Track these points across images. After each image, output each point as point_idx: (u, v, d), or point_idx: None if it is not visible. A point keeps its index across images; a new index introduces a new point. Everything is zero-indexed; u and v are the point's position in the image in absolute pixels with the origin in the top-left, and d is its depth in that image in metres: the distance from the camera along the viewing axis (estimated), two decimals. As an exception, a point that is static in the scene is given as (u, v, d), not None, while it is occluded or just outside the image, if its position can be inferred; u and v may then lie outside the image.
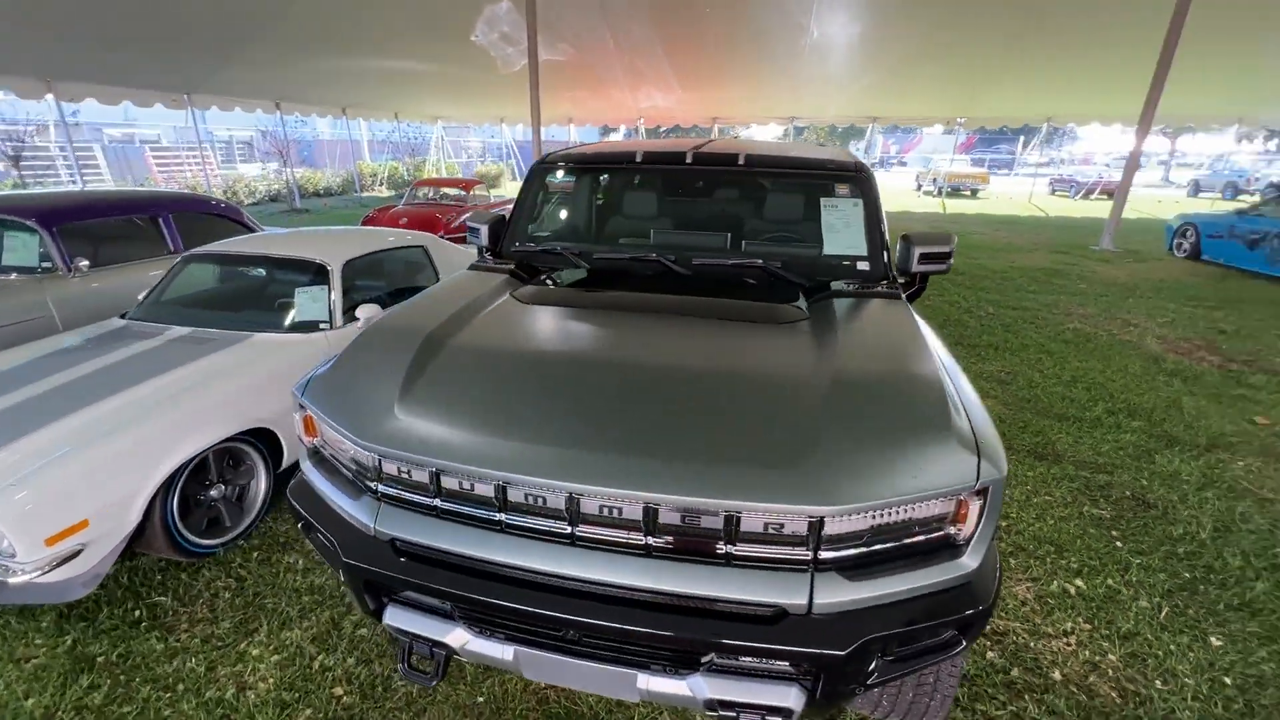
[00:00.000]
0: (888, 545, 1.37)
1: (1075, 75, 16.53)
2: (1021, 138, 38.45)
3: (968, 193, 25.09)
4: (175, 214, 5.14)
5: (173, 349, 3.11)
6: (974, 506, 1.37)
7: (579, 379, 1.66)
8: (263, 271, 4.03)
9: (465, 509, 1.50)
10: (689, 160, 2.62)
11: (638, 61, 18.74)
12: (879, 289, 2.27)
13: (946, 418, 1.45)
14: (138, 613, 2.47)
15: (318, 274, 3.66)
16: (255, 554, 2.83)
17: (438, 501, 1.51)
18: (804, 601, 1.32)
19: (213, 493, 2.85)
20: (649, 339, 1.88)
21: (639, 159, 2.67)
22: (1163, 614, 2.51)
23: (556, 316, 2.08)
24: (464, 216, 10.04)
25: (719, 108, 22.03)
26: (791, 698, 1.39)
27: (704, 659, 1.41)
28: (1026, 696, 2.12)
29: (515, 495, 1.43)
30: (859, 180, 2.52)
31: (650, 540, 1.38)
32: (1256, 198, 20.28)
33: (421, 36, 15.72)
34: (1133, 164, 11.62)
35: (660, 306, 2.11)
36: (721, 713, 1.44)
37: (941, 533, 1.41)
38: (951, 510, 1.39)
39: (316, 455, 1.79)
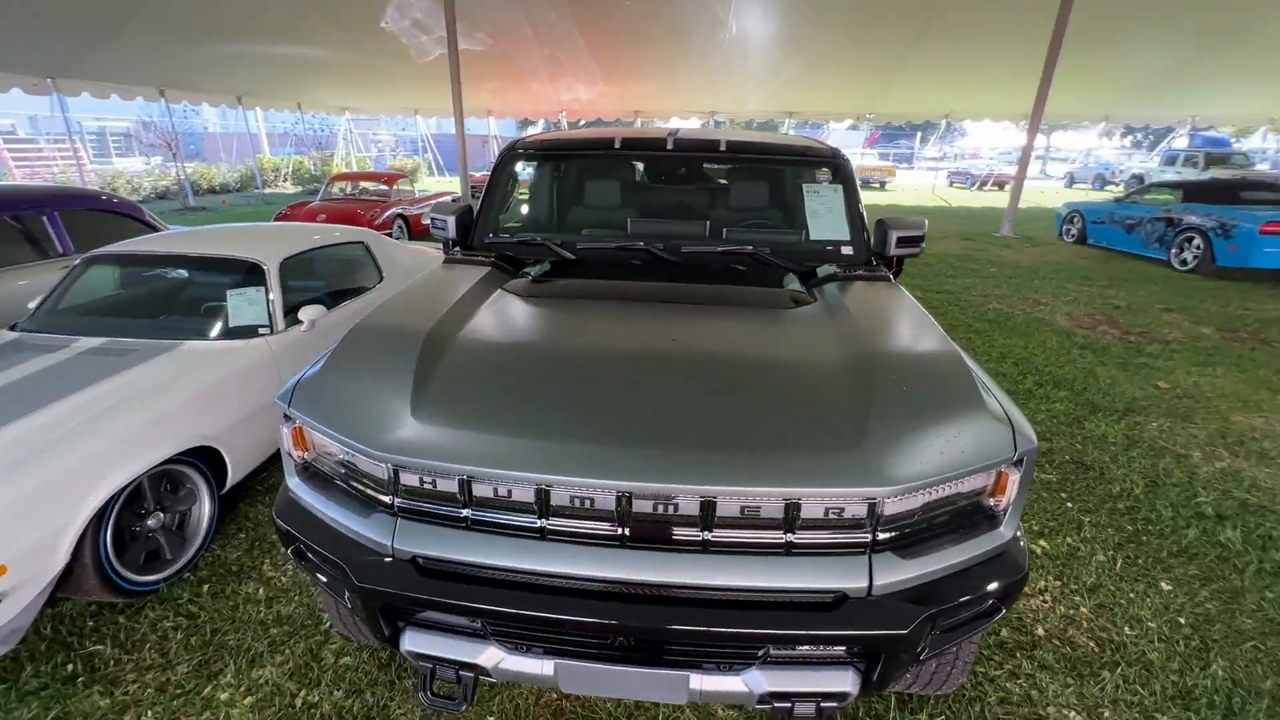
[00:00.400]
0: (936, 521, 1.39)
1: (970, 75, 17.78)
2: (919, 133, 41.08)
3: (876, 185, 26.48)
4: (63, 212, 4.53)
5: (85, 363, 2.72)
6: (1013, 477, 1.41)
7: (608, 373, 1.58)
8: (184, 273, 3.62)
9: (501, 517, 1.38)
10: (670, 147, 2.57)
11: (559, 53, 18.44)
12: (869, 272, 2.31)
13: (978, 393, 1.48)
14: (71, 666, 2.15)
15: (250, 274, 3.34)
16: (205, 586, 2.54)
17: (468, 512, 1.39)
18: (864, 584, 1.31)
19: (150, 522, 2.53)
20: (665, 328, 1.82)
21: (618, 145, 2.60)
22: (1118, 566, 2.72)
23: (560, 309, 1.97)
24: (389, 211, 9.51)
25: (640, 101, 22.07)
26: (848, 681, 1.38)
27: (760, 652, 1.38)
28: (1018, 654, 2.24)
29: (560, 498, 1.34)
30: (838, 166, 2.56)
31: (707, 535, 1.33)
32: (1121, 188, 22.64)
33: (326, 21, 14.75)
34: (1026, 158, 12.65)
35: (664, 295, 2.06)
36: (775, 705, 1.42)
37: (982, 505, 1.44)
38: (991, 482, 1.42)
39: (308, 471, 1.60)
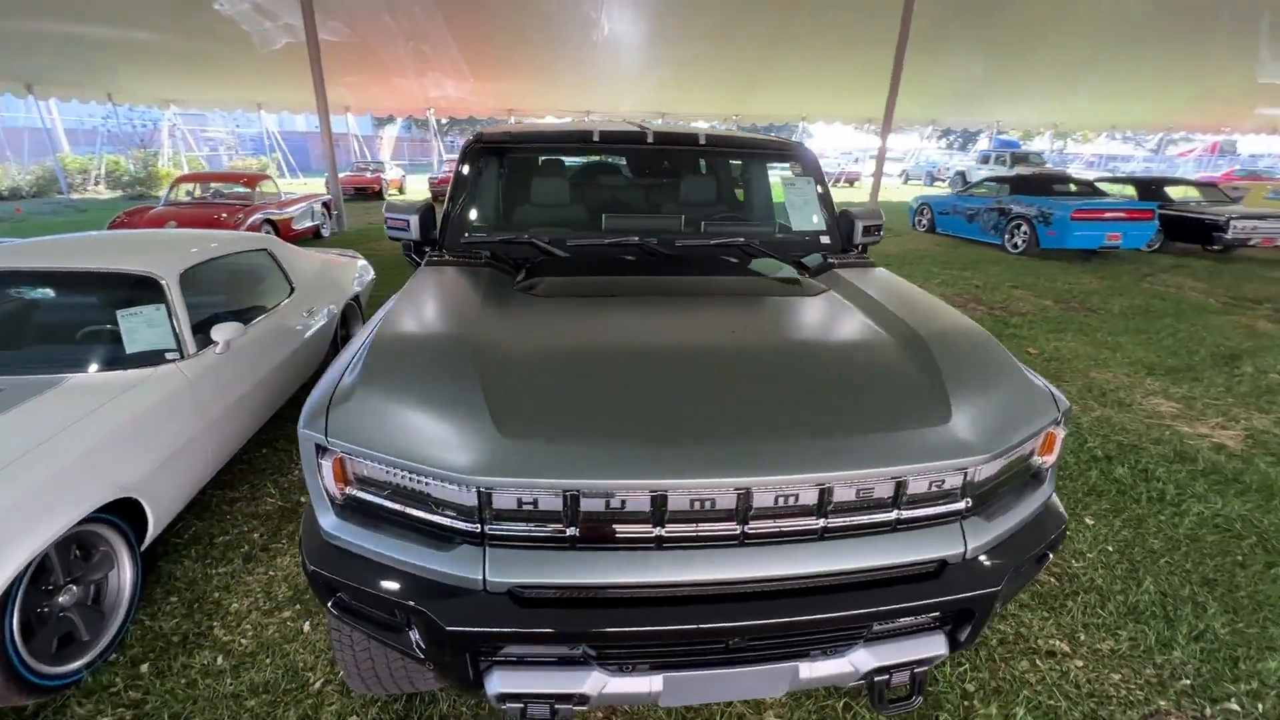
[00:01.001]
0: (1004, 483, 1.50)
1: (823, 80, 19.35)
2: (775, 134, 43.98)
3: (745, 183, 28.01)
4: None
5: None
6: (1059, 435, 1.56)
7: (682, 369, 1.52)
8: (49, 292, 2.98)
9: (611, 530, 1.28)
10: (650, 140, 2.54)
11: (424, 46, 17.49)
12: (856, 259, 2.44)
13: (1017, 362, 1.62)
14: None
15: (141, 289, 2.83)
16: (144, 665, 2.12)
17: (573, 530, 1.27)
18: (961, 550, 1.39)
19: (62, 599, 2.06)
20: (713, 321, 1.79)
21: (597, 138, 2.52)
22: (1050, 509, 3.12)
23: (595, 309, 1.86)
24: (255, 216, 8.48)
25: (514, 99, 21.57)
26: (941, 644, 1.45)
27: (865, 630, 1.41)
28: (1002, 598, 2.49)
29: (678, 502, 1.27)
30: (807, 160, 2.67)
31: (824, 522, 1.33)
32: (947, 184, 25.85)
33: (144, -1, 12.81)
34: (881, 157, 14.03)
35: (685, 289, 2.02)
36: (875, 679, 1.46)
37: (1032, 464, 1.58)
38: (1041, 442, 1.56)
39: (352, 508, 1.37)
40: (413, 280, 2.07)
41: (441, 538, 1.31)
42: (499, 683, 1.33)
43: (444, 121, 23.57)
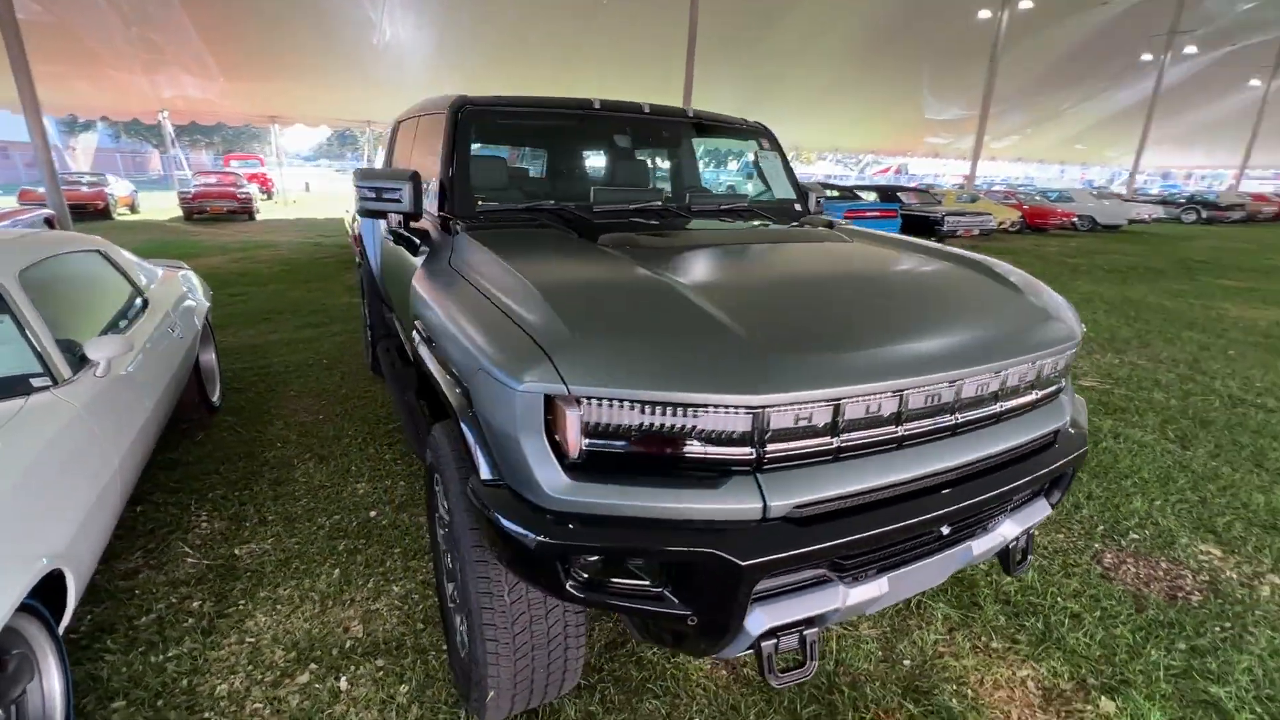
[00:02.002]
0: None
1: (616, 93, 20.44)
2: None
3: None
4: None
5: None
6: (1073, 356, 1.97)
7: (829, 293, 1.59)
8: None
9: (865, 436, 1.31)
10: (646, 111, 2.56)
11: (155, 36, 14.53)
12: (821, 219, 2.72)
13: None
14: None
15: (-43, 299, 2.03)
16: (130, 792, 1.53)
17: (836, 440, 1.27)
18: (1067, 419, 1.70)
19: (-18, 731, 1.40)
20: (793, 259, 1.87)
21: (597, 106, 2.45)
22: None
23: (697, 255, 1.83)
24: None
25: (276, 103, 18.93)
26: (1045, 508, 1.75)
27: (1011, 503, 1.64)
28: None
29: (916, 400, 1.34)
30: (772, 137, 2.92)
31: (999, 406, 1.52)
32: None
33: None
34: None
35: (735, 238, 2.08)
36: (1010, 546, 1.70)
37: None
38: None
39: (586, 466, 1.18)
40: (489, 244, 1.82)
41: (710, 474, 1.22)
42: (762, 619, 1.27)
43: (177, 127, 19.81)
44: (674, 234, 2.07)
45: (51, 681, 1.61)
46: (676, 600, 1.23)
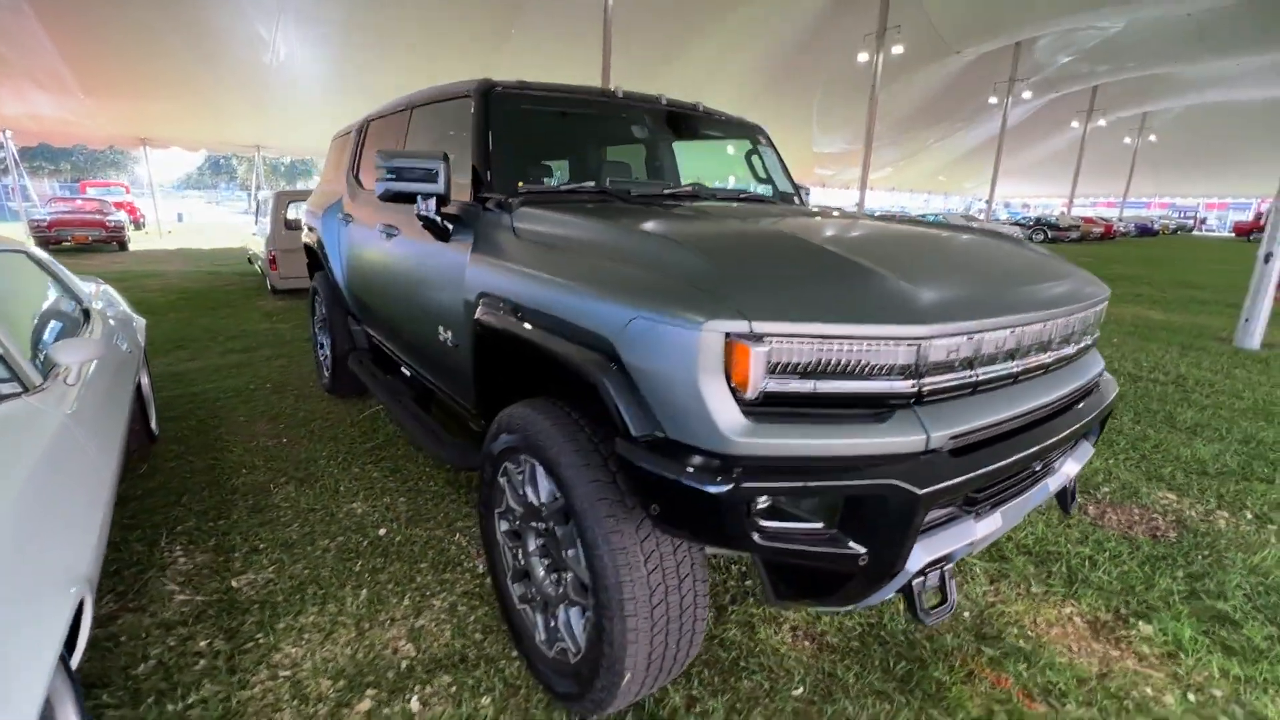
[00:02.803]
0: None
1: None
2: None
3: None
4: None
5: None
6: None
7: (933, 247, 1.66)
8: None
9: (993, 371, 1.37)
10: (664, 102, 2.60)
11: (2, 48, 12.79)
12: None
13: None
14: None
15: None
16: None
17: (974, 374, 1.33)
18: (1102, 366, 1.88)
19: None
20: (878, 226, 1.92)
21: (620, 96, 2.45)
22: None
23: (784, 219, 1.87)
24: None
25: (149, 125, 17.21)
26: (1089, 448, 1.91)
27: (1075, 442, 1.78)
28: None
29: (1027, 338, 1.43)
30: (767, 135, 3.05)
31: (1071, 349, 1.65)
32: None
33: None
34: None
35: (793, 214, 2.14)
36: (1068, 485, 1.85)
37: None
38: None
39: (761, 406, 1.15)
40: (567, 212, 1.75)
41: (877, 408, 1.23)
42: (920, 555, 1.29)
43: (22, 150, 17.53)
44: (739, 207, 2.11)
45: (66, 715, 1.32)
46: (849, 539, 1.22)
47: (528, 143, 2.29)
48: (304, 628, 1.94)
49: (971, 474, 1.27)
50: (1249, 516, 2.76)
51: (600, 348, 1.35)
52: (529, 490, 1.66)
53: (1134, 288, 10.84)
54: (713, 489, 1.13)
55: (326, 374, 4.04)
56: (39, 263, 2.56)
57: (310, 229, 4.00)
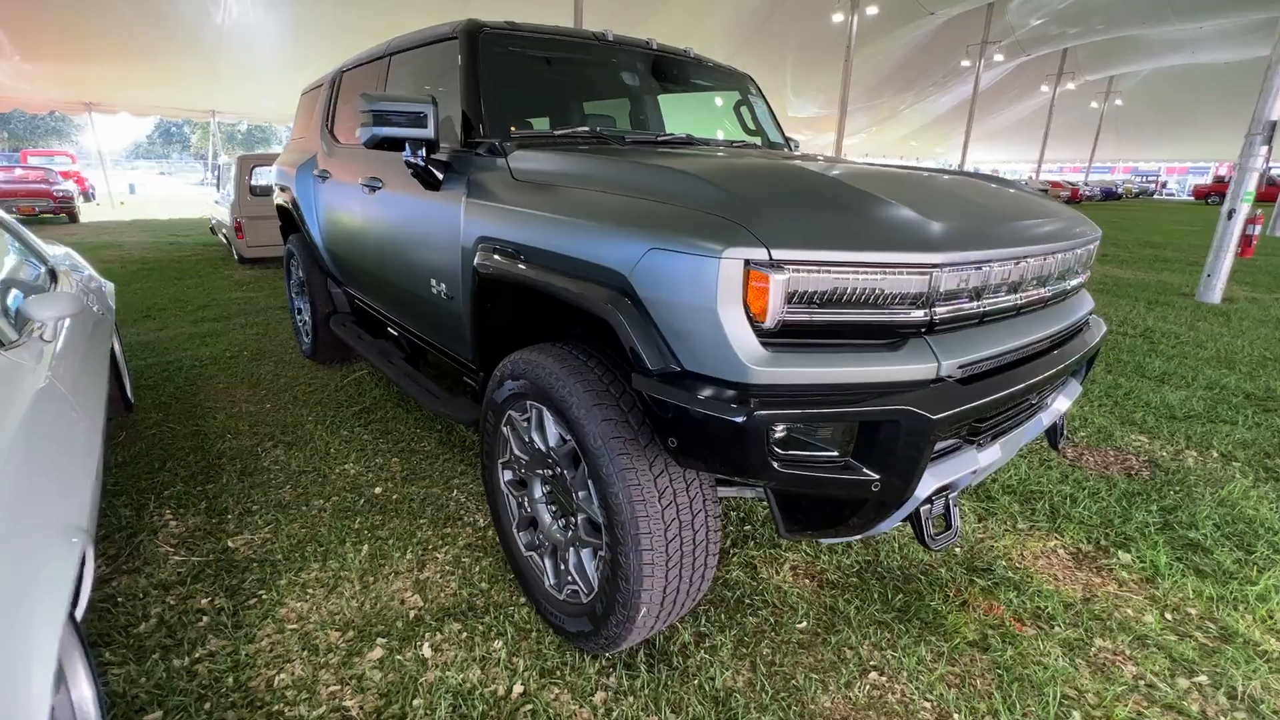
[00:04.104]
0: None
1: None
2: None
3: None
4: None
5: None
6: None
7: (938, 185, 1.66)
8: None
9: (999, 302, 1.40)
10: (653, 46, 2.53)
11: (-80, -1, 11.86)
12: None
13: None
14: None
15: None
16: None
17: (981, 305, 1.35)
18: (1092, 306, 1.93)
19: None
20: (879, 169, 1.92)
21: (610, 38, 2.38)
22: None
23: (790, 157, 1.86)
24: None
25: (93, 89, 16.28)
26: (1078, 388, 1.98)
27: (1065, 379, 1.83)
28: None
29: (1030, 270, 1.45)
30: (757, 85, 3.00)
31: (1067, 285, 1.69)
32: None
33: None
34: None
35: (793, 158, 2.13)
36: (1059, 421, 1.91)
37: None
38: None
39: (780, 335, 1.15)
40: (564, 151, 1.71)
41: (889, 337, 1.24)
42: (929, 482, 1.32)
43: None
44: (741, 149, 2.08)
45: (81, 691, 1.30)
46: (862, 466, 1.24)
47: (518, 87, 2.22)
48: (307, 583, 1.93)
49: (978, 402, 1.30)
50: (1215, 455, 2.89)
51: (613, 284, 1.34)
52: (536, 436, 1.65)
53: (1101, 248, 11.11)
54: (733, 418, 1.14)
55: (306, 339, 3.94)
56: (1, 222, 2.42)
57: (283, 189, 3.84)
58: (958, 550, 2.15)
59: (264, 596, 1.86)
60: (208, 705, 1.49)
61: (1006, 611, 1.86)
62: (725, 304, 1.15)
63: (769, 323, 1.17)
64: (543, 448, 1.64)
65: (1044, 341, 1.56)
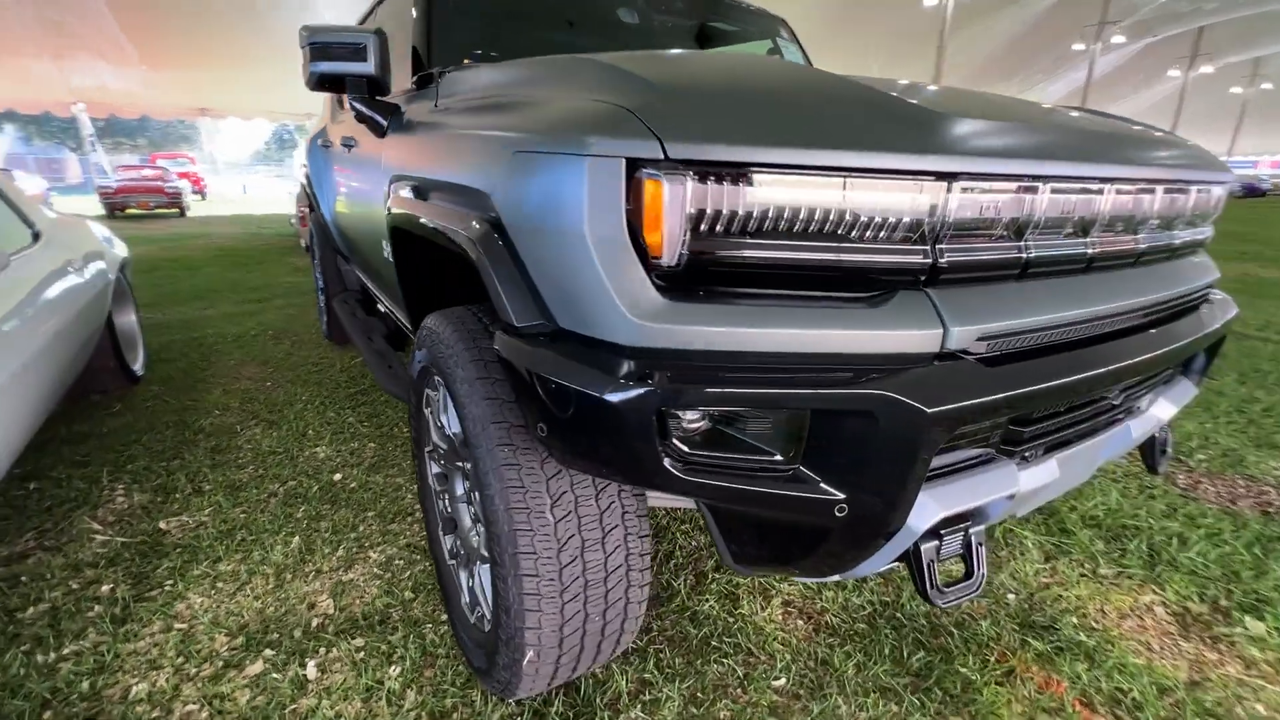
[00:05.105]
0: None
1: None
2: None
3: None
4: None
5: None
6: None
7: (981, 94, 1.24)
8: None
9: (1055, 246, 0.95)
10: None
11: (64, 15, 13.28)
12: None
13: None
14: None
15: None
16: None
17: (1023, 247, 0.90)
18: (1216, 274, 1.39)
19: None
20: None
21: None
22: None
23: None
24: None
25: (207, 94, 17.76)
26: (1190, 388, 1.44)
27: (1167, 376, 1.31)
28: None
29: (1111, 204, 0.99)
30: (790, 29, 2.57)
31: (1174, 238, 1.19)
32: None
33: None
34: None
35: None
36: (1157, 434, 1.38)
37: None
38: None
39: (686, 279, 0.78)
40: (483, 69, 1.40)
41: (859, 290, 0.83)
42: (931, 508, 0.89)
43: (100, 123, 18.31)
44: None
45: None
46: (819, 479, 0.84)
47: (481, 20, 1.92)
48: (220, 575, 1.71)
49: (1012, 392, 0.86)
50: (1396, 493, 2.18)
51: (478, 208, 1.00)
52: (445, 419, 1.34)
53: (1240, 245, 9.59)
54: (603, 396, 0.77)
55: (324, 320, 3.85)
56: (-14, 183, 2.39)
57: (303, 165, 3.77)
58: (1011, 598, 1.65)
59: (168, 588, 1.66)
60: (48, 715, 1.28)
61: (1070, 691, 1.36)
62: (597, 226, 0.78)
63: (668, 257, 0.78)
64: (450, 433, 1.32)
65: (1131, 315, 1.08)
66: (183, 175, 17.65)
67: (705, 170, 0.76)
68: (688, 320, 0.78)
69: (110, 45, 14.43)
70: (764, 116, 0.80)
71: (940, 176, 0.81)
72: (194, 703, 1.31)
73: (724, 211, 0.77)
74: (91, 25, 13.67)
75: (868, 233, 0.81)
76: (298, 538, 1.88)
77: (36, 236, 2.44)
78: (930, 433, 0.79)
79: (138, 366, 3.16)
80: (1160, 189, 1.08)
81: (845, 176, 0.78)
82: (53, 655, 1.43)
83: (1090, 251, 1.00)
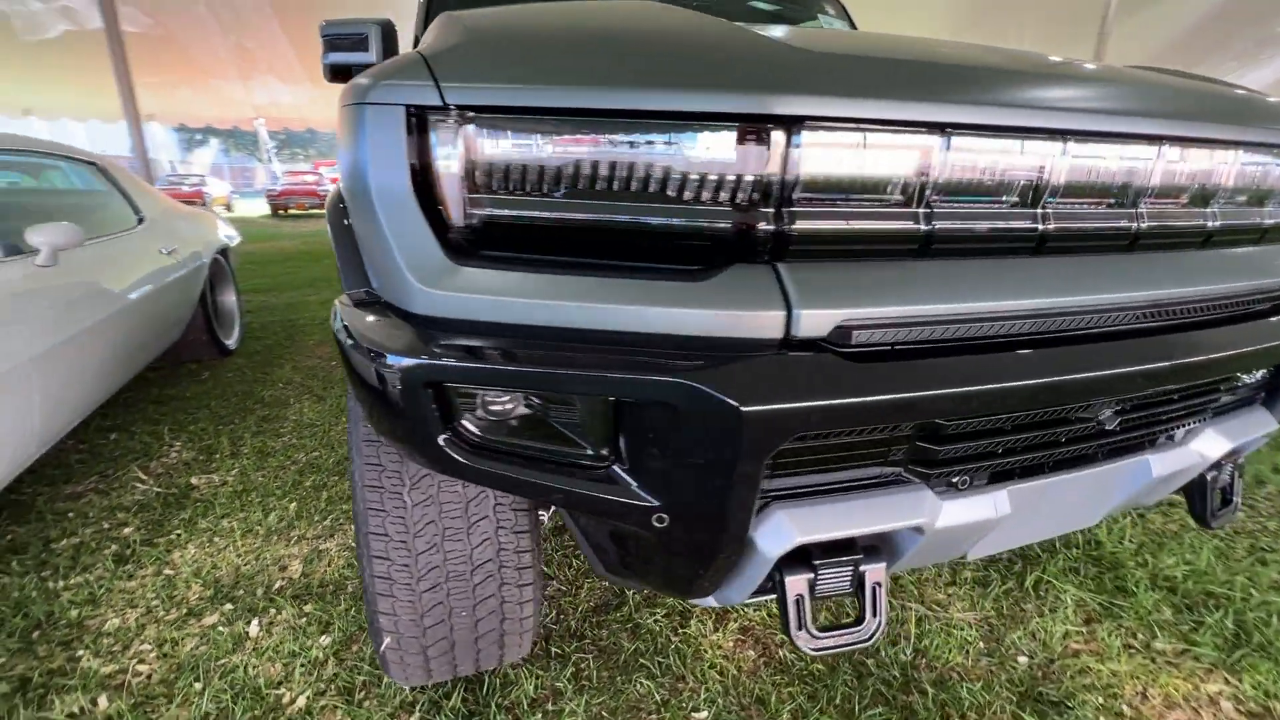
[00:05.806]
0: None
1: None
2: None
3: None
4: None
5: None
6: None
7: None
8: None
9: (980, 212, 0.76)
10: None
11: (247, 42, 15.43)
12: None
13: None
14: None
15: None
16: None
17: (923, 214, 0.73)
18: None
19: None
20: None
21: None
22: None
23: None
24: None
25: (359, 109, 19.78)
26: (1267, 420, 1.11)
27: (1219, 397, 1.02)
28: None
29: (1077, 161, 0.77)
30: (839, 4, 2.36)
31: (1212, 220, 0.91)
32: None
33: None
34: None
35: None
36: (1208, 476, 1.07)
37: None
38: None
39: (483, 239, 0.70)
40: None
41: (685, 260, 0.70)
42: (786, 528, 0.74)
43: (280, 135, 21.02)
44: None
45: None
46: (633, 482, 0.72)
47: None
48: (219, 531, 1.85)
49: (888, 397, 0.68)
50: None
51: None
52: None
53: None
54: (380, 365, 0.70)
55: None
56: (107, 175, 2.78)
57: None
58: (1022, 659, 1.37)
59: (173, 537, 1.82)
60: (35, 635, 1.44)
61: (1059, 786, 1.09)
62: (381, 181, 0.72)
63: (456, 217, 0.71)
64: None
65: (1121, 313, 0.84)
66: (335, 181, 19.88)
67: (490, 118, 0.67)
68: (475, 288, 0.70)
69: (283, 64, 16.50)
70: (559, 55, 0.69)
71: (784, 122, 0.66)
72: (149, 643, 1.42)
73: (512, 165, 0.68)
74: (268, 47, 15.72)
75: (686, 192, 0.68)
76: (295, 504, 1.99)
77: (141, 220, 2.80)
78: (750, 435, 0.64)
79: (231, 341, 3.55)
80: (1166, 145, 0.83)
81: (657, 122, 0.66)
82: (61, 584, 1.61)
83: (1042, 227, 0.78)
